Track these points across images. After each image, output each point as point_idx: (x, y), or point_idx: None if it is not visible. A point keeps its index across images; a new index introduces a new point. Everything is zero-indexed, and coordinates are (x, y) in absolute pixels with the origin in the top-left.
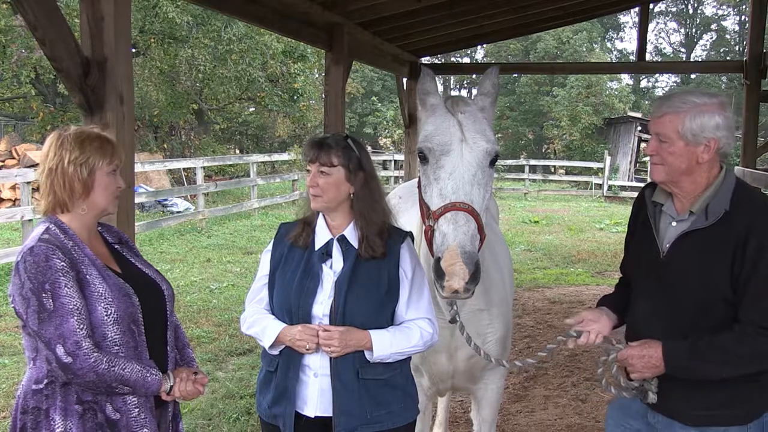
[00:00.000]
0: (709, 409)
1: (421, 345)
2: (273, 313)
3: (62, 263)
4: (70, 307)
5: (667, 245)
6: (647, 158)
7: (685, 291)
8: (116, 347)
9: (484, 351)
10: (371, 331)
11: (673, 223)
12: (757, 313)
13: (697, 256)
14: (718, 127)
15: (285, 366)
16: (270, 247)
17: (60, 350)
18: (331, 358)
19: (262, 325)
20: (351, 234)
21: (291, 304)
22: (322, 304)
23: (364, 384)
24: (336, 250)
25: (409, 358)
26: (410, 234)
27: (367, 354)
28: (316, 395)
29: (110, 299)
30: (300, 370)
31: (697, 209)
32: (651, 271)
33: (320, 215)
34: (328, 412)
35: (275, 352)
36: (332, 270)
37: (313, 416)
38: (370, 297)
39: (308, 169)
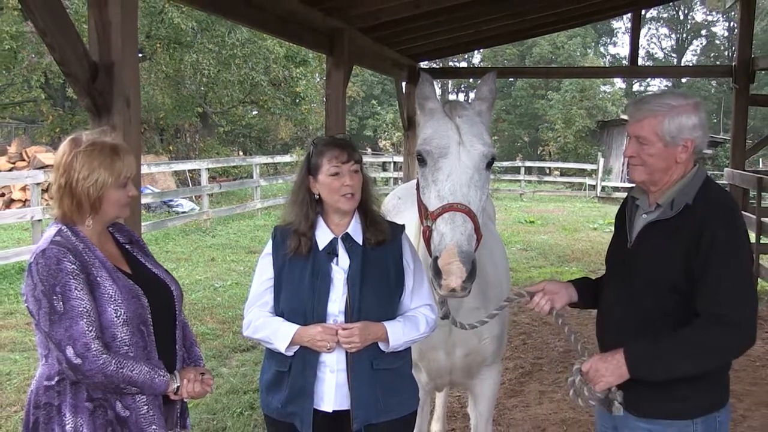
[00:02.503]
0: (657, 401)
1: (427, 331)
2: (282, 316)
3: (73, 266)
4: (80, 309)
5: (635, 235)
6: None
7: (643, 277)
8: (126, 347)
9: (481, 320)
10: (385, 323)
11: (644, 215)
12: (709, 304)
13: (657, 244)
14: (694, 127)
15: (300, 365)
16: (269, 251)
17: (70, 352)
18: (347, 352)
19: (272, 328)
20: (354, 231)
21: (305, 306)
22: (336, 302)
23: (378, 374)
24: (341, 248)
25: (410, 349)
26: (403, 226)
27: (382, 345)
28: (332, 390)
29: (120, 301)
30: (317, 368)
31: (664, 201)
32: (620, 260)
33: (320, 219)
34: (344, 405)
35: (290, 353)
36: (340, 267)
37: (330, 411)
38: (381, 290)
39: (336, 172)
